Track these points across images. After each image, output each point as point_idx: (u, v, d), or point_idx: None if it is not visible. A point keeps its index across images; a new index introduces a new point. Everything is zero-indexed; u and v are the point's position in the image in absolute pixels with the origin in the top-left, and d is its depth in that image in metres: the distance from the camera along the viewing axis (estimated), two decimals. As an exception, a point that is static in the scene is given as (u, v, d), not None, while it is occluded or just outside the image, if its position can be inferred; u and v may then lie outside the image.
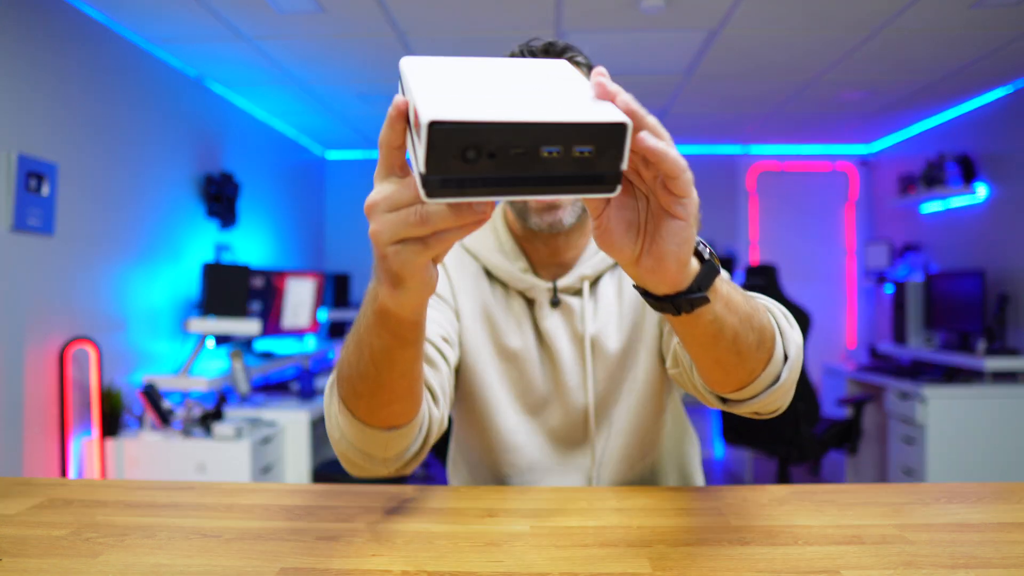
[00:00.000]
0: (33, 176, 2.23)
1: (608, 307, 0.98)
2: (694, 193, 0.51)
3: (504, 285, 0.99)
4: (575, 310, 0.96)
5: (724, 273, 0.62)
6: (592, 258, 0.97)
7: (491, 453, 0.99)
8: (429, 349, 0.84)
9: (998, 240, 3.57)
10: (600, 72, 0.47)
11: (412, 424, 0.70)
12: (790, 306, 3.39)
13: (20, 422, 2.22)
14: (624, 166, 0.43)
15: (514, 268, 0.97)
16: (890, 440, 3.55)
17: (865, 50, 2.97)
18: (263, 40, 2.86)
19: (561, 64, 0.54)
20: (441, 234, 0.48)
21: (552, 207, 0.90)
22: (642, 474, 1.01)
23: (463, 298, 0.99)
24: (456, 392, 0.99)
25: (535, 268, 0.98)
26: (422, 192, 0.42)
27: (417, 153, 0.42)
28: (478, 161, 0.41)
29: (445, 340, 0.90)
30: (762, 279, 3.48)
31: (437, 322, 0.91)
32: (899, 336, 3.97)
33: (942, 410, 3.20)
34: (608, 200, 0.52)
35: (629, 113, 0.45)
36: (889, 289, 4.25)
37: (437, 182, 0.41)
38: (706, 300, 0.56)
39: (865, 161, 4.96)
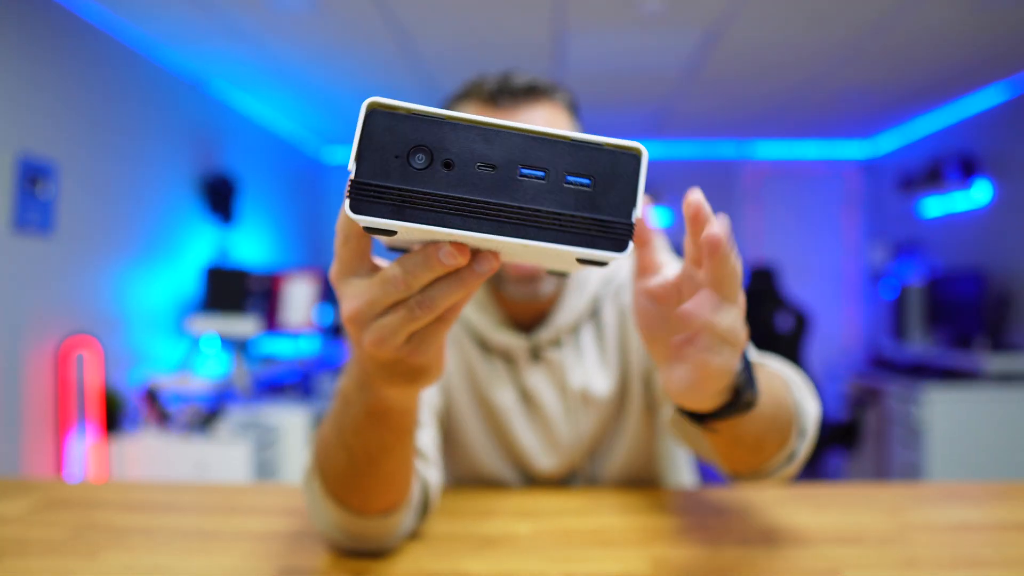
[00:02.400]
0: (33, 176, 2.23)
1: (591, 356, 0.91)
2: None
3: (482, 343, 0.91)
4: (556, 363, 0.89)
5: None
6: (567, 302, 0.90)
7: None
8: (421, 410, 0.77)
9: (999, 240, 3.57)
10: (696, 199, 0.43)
11: (406, 503, 0.64)
12: (791, 307, 3.39)
13: (19, 422, 2.22)
14: (638, 213, 0.32)
15: (490, 322, 0.89)
16: (890, 440, 3.55)
17: (865, 50, 2.97)
18: (263, 40, 2.86)
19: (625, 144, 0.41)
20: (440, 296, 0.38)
21: (531, 279, 0.81)
22: None
23: (447, 350, 0.94)
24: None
25: (510, 317, 0.91)
26: (346, 205, 0.31)
27: (352, 153, 0.31)
28: (428, 170, 0.30)
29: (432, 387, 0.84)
30: (762, 280, 3.48)
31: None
32: (899, 336, 3.97)
33: (942, 410, 3.20)
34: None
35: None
36: (889, 289, 4.26)
37: (371, 191, 0.30)
38: (750, 407, 0.52)
39: (866, 162, 4.96)
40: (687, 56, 3.07)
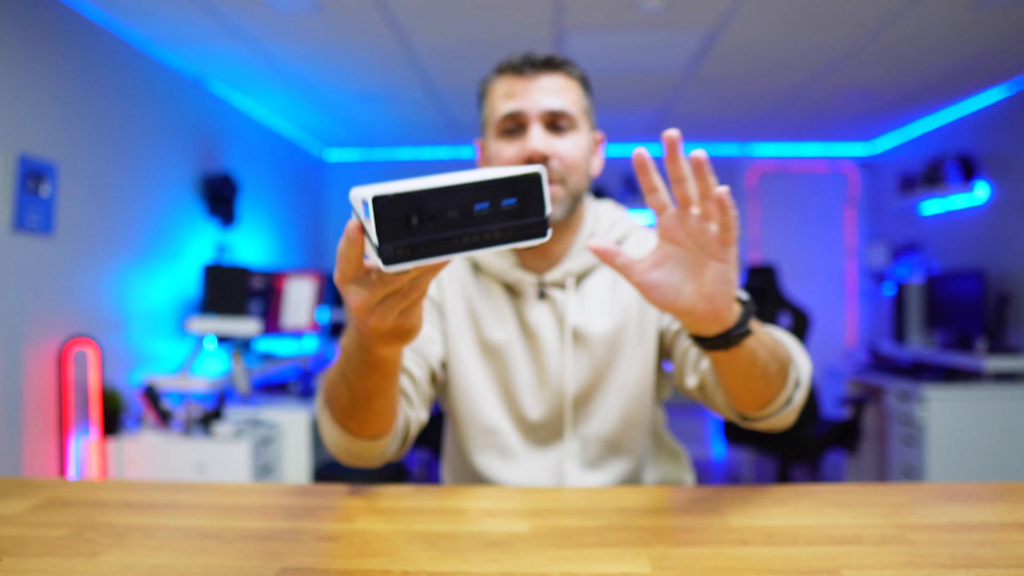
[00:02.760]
0: (33, 176, 2.23)
1: (598, 301, 1.01)
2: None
3: (490, 279, 1.03)
4: (559, 302, 1.00)
5: None
6: (579, 256, 1.01)
7: (470, 439, 1.01)
8: (407, 359, 0.94)
9: (998, 240, 3.57)
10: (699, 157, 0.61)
11: (392, 431, 0.83)
12: (791, 307, 3.39)
13: (20, 422, 2.22)
14: (548, 211, 0.48)
15: (503, 263, 1.01)
16: (890, 440, 3.55)
17: (865, 50, 2.97)
18: (263, 40, 2.86)
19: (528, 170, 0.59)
20: (418, 280, 0.54)
21: None
22: (619, 476, 1.01)
23: (449, 295, 1.03)
24: (444, 385, 1.04)
25: (522, 263, 1.03)
26: (379, 262, 0.47)
27: (369, 230, 0.47)
28: (421, 226, 0.46)
29: (430, 340, 0.99)
30: (762, 280, 3.48)
31: (424, 325, 0.98)
32: (899, 336, 3.97)
33: (942, 410, 3.20)
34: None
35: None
36: (889, 289, 4.26)
37: (391, 250, 0.46)
38: (749, 333, 0.69)
39: (865, 161, 4.96)
40: (687, 56, 3.07)
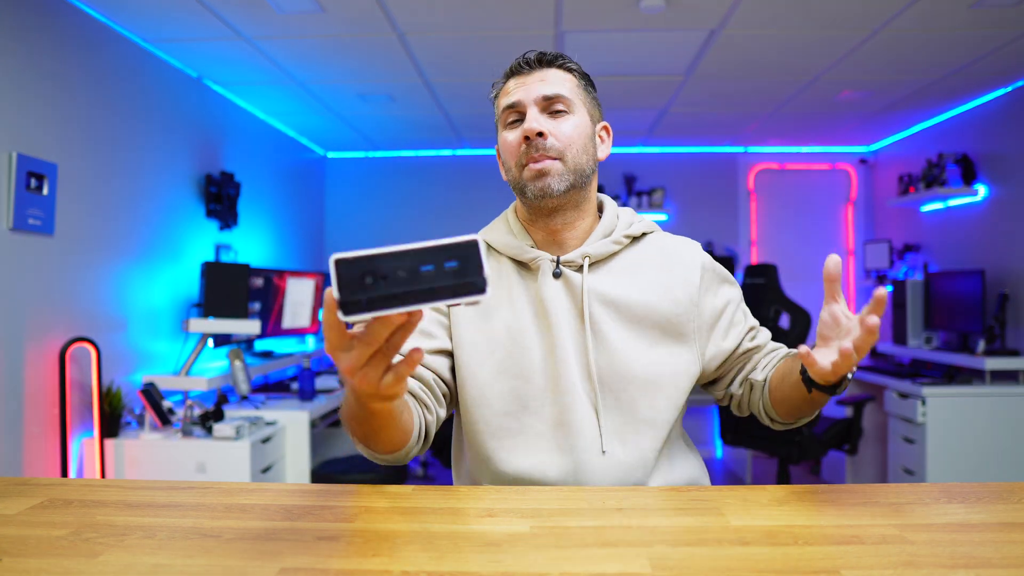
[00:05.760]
0: (33, 176, 2.23)
1: (619, 277, 1.04)
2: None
3: (500, 258, 1.08)
4: (575, 281, 1.02)
5: None
6: (596, 243, 1.05)
7: (480, 424, 1.00)
8: (421, 369, 1.00)
9: (998, 240, 3.57)
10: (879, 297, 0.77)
11: (408, 443, 0.91)
12: (791, 306, 3.39)
13: (20, 422, 2.22)
14: (486, 273, 0.55)
15: (521, 244, 1.05)
16: (890, 440, 3.55)
17: (865, 50, 2.97)
18: (263, 40, 2.86)
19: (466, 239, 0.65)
20: (391, 343, 0.61)
21: (541, 174, 1.00)
22: (638, 459, 0.98)
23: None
24: (452, 371, 1.06)
25: (539, 245, 1.07)
26: (340, 313, 0.55)
27: (334, 288, 0.54)
28: (376, 284, 0.54)
29: (429, 336, 1.03)
30: (762, 279, 3.48)
31: (429, 337, 1.04)
32: (899, 336, 3.97)
33: (942, 410, 3.20)
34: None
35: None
36: (889, 289, 4.25)
37: (350, 304, 0.54)
38: (849, 380, 0.88)
39: (865, 161, 4.96)
40: (687, 56, 3.07)
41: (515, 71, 1.05)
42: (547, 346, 1.00)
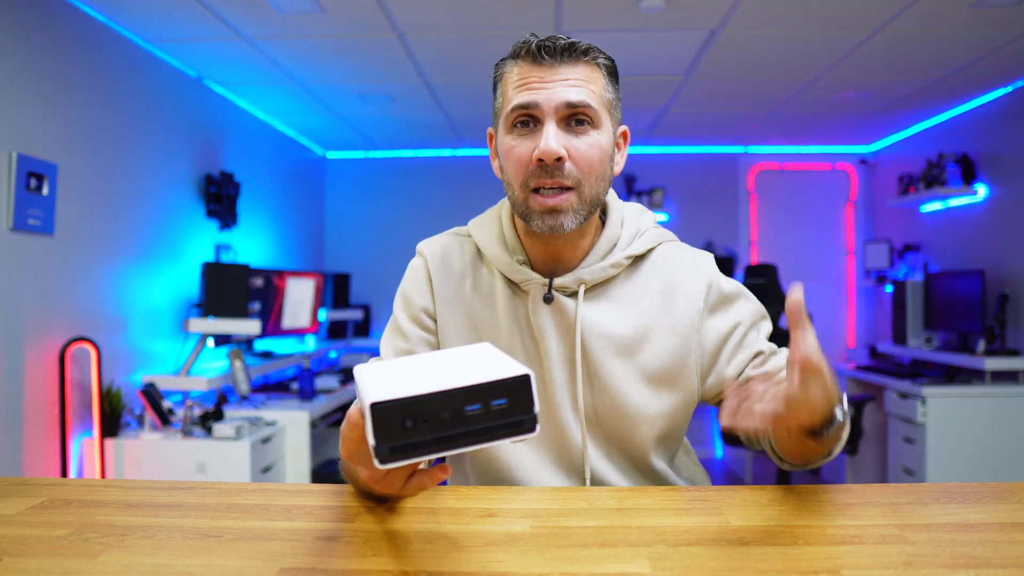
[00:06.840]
0: (33, 176, 2.23)
1: (612, 308, 0.96)
2: (823, 364, 0.67)
3: (493, 272, 0.99)
4: (568, 309, 0.94)
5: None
6: (593, 265, 0.96)
7: (474, 457, 0.99)
8: None
9: (998, 240, 3.57)
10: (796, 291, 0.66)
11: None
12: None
13: (20, 422, 2.22)
14: (536, 410, 0.51)
15: (511, 260, 0.96)
16: (890, 440, 3.55)
17: (865, 50, 2.97)
18: (263, 40, 2.86)
19: (484, 345, 0.62)
20: None
21: (554, 210, 0.88)
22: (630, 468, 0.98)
23: (444, 306, 1.00)
24: None
25: (532, 264, 0.97)
26: (376, 461, 0.50)
27: (368, 428, 0.50)
28: (416, 428, 0.49)
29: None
30: (762, 279, 3.48)
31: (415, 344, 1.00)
32: (899, 336, 3.97)
33: (942, 410, 3.20)
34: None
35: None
36: (889, 289, 4.25)
37: (387, 451, 0.50)
38: (840, 427, 0.78)
39: (865, 161, 4.96)
40: (687, 56, 3.07)
41: (533, 56, 0.88)
42: (536, 375, 0.94)
